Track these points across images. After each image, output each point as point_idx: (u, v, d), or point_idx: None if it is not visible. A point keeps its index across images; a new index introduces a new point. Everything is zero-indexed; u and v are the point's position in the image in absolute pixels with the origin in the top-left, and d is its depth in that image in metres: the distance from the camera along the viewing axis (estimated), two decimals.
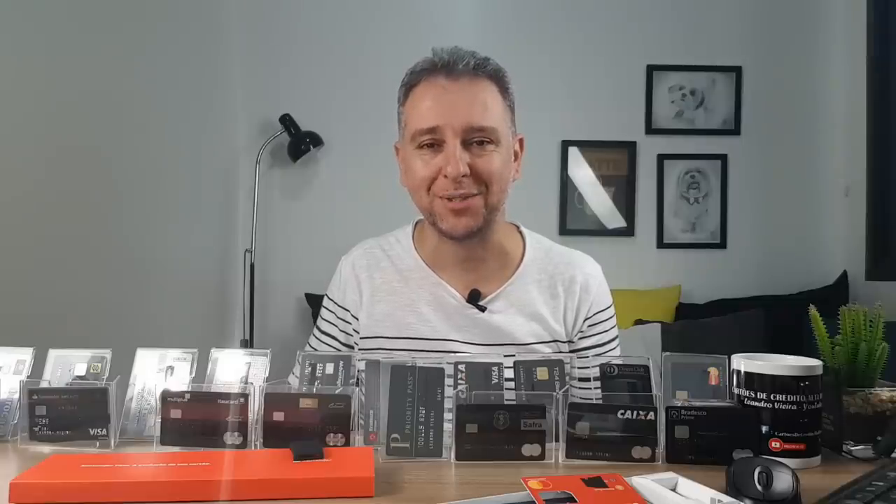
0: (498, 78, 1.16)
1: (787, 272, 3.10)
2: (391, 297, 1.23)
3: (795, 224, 3.19)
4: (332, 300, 1.29)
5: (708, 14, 3.18)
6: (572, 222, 3.19)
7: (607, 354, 1.23)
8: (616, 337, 1.28)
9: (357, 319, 1.25)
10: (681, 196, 3.21)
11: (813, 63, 3.18)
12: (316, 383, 0.96)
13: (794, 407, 0.85)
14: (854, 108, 2.99)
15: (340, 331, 1.27)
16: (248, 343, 2.95)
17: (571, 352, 1.22)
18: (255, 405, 0.89)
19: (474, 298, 1.20)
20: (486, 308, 1.20)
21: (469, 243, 1.18)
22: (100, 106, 2.20)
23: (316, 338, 1.30)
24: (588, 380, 0.97)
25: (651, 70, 3.19)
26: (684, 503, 0.70)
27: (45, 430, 0.91)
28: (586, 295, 1.24)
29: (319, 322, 1.32)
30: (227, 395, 0.89)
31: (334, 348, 1.27)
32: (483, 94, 1.13)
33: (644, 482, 0.73)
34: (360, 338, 1.24)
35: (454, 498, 0.71)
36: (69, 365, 0.98)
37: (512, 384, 0.95)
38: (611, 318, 1.27)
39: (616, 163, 3.21)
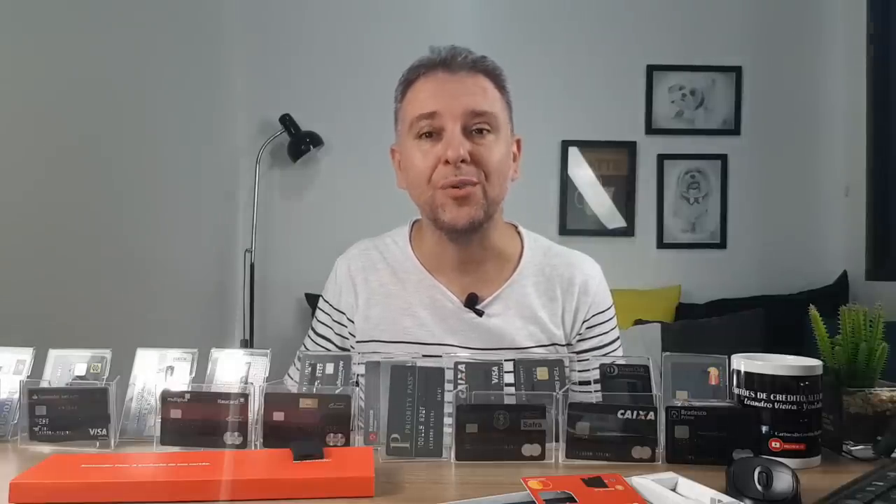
0: (495, 75, 1.17)
1: (787, 272, 3.10)
2: (387, 300, 1.22)
3: (795, 224, 3.19)
4: (327, 302, 1.28)
5: (708, 14, 3.18)
6: (572, 222, 3.19)
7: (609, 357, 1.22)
8: (617, 339, 1.26)
9: (353, 322, 1.23)
10: (681, 196, 3.21)
11: (813, 63, 3.18)
12: (316, 383, 0.96)
13: (794, 407, 0.85)
14: (854, 108, 2.99)
15: (336, 333, 1.26)
16: (248, 343, 2.94)
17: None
18: (255, 405, 0.89)
19: (472, 302, 1.19)
20: (483, 312, 1.19)
21: (468, 242, 1.17)
22: (100, 106, 2.20)
23: (311, 339, 1.29)
24: (588, 383, 0.97)
25: (651, 70, 3.19)
26: (684, 503, 0.70)
27: (45, 430, 0.91)
28: (585, 297, 1.23)
29: (314, 323, 1.30)
30: (227, 395, 0.89)
31: (329, 351, 1.25)
32: (481, 85, 1.14)
33: (644, 482, 0.73)
34: (356, 341, 1.22)
35: (454, 498, 0.71)
36: (69, 365, 0.98)
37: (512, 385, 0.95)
38: (611, 319, 1.26)
39: (616, 163, 3.21)
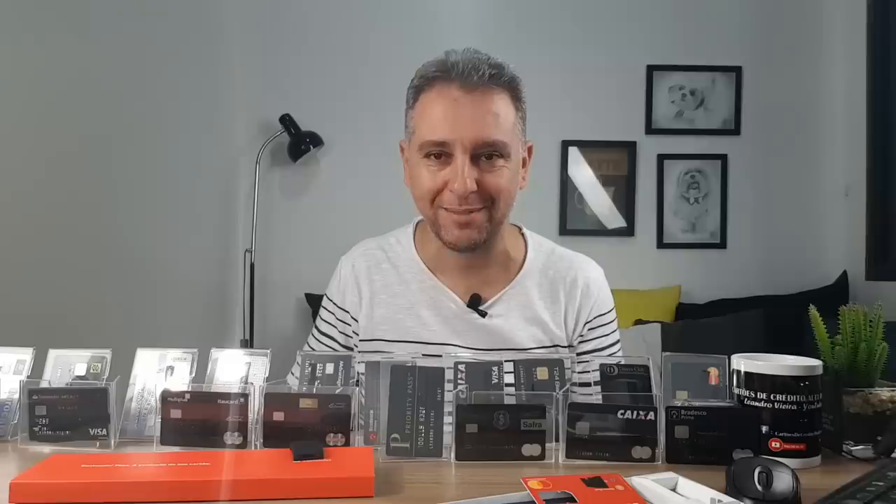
0: (513, 87, 1.13)
1: (787, 272, 3.10)
2: (391, 299, 1.22)
3: (795, 224, 3.18)
4: (331, 301, 1.29)
5: (708, 14, 3.18)
6: (572, 222, 3.19)
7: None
8: (618, 342, 1.27)
9: (356, 321, 1.24)
10: (681, 196, 3.21)
11: (813, 63, 3.18)
12: (316, 383, 0.96)
13: (794, 407, 0.85)
14: (854, 108, 2.99)
15: (340, 332, 1.27)
16: (248, 343, 2.94)
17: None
18: (255, 405, 0.89)
19: (475, 303, 1.19)
20: (486, 313, 1.19)
21: (472, 252, 1.17)
22: (100, 106, 2.20)
23: (315, 338, 1.30)
24: (588, 385, 0.97)
25: (651, 70, 3.19)
26: (684, 503, 0.70)
27: (45, 430, 0.91)
28: (587, 299, 1.23)
29: (318, 322, 1.31)
30: (227, 395, 0.89)
31: (333, 350, 1.26)
32: (496, 106, 1.10)
33: (644, 482, 0.73)
34: (360, 340, 1.23)
35: (454, 498, 0.71)
36: (69, 365, 0.98)
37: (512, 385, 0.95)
38: (612, 322, 1.27)
39: (616, 163, 3.21)
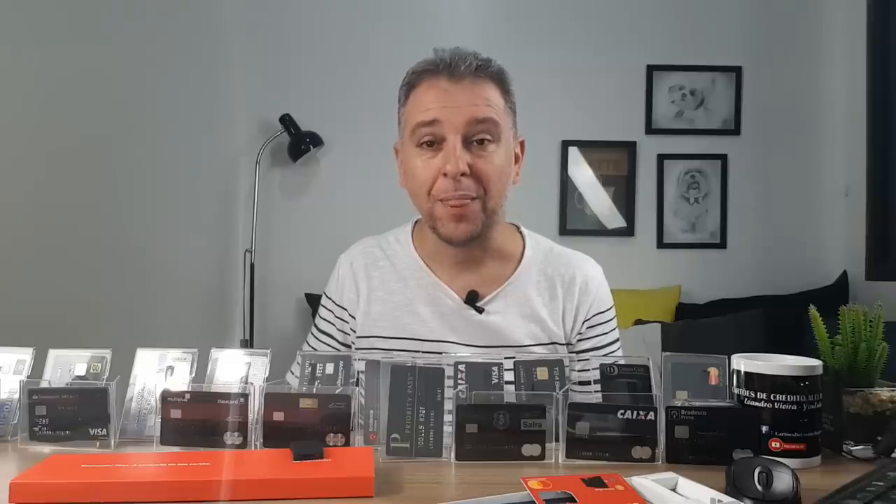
0: (500, 80, 1.16)
1: (787, 272, 3.10)
2: (388, 296, 1.23)
3: (795, 224, 3.18)
4: (330, 299, 1.29)
5: (708, 14, 3.18)
6: (572, 222, 3.19)
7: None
8: (617, 340, 1.27)
9: (354, 318, 1.25)
10: (681, 196, 3.21)
11: (813, 63, 3.18)
12: (316, 383, 0.96)
13: (794, 407, 0.85)
14: (854, 108, 2.99)
15: (338, 329, 1.27)
16: (248, 343, 2.94)
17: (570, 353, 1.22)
18: (255, 405, 0.89)
19: (472, 300, 1.19)
20: (483, 310, 1.19)
21: (468, 245, 1.18)
22: (100, 106, 2.20)
23: (314, 336, 1.30)
24: (588, 383, 0.97)
25: (651, 70, 3.19)
26: (684, 503, 0.70)
27: (45, 430, 0.91)
28: (585, 296, 1.23)
29: (317, 321, 1.31)
30: (227, 395, 0.89)
31: (333, 347, 1.26)
32: (485, 92, 1.13)
33: (644, 482, 0.73)
34: (357, 337, 1.23)
35: (454, 498, 0.71)
36: (69, 365, 0.98)
37: (512, 385, 0.95)
38: (611, 320, 1.26)
39: (616, 163, 3.21)
